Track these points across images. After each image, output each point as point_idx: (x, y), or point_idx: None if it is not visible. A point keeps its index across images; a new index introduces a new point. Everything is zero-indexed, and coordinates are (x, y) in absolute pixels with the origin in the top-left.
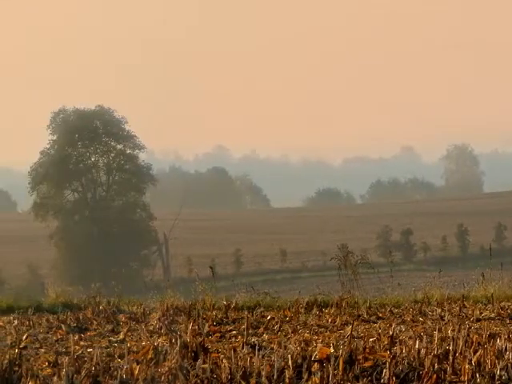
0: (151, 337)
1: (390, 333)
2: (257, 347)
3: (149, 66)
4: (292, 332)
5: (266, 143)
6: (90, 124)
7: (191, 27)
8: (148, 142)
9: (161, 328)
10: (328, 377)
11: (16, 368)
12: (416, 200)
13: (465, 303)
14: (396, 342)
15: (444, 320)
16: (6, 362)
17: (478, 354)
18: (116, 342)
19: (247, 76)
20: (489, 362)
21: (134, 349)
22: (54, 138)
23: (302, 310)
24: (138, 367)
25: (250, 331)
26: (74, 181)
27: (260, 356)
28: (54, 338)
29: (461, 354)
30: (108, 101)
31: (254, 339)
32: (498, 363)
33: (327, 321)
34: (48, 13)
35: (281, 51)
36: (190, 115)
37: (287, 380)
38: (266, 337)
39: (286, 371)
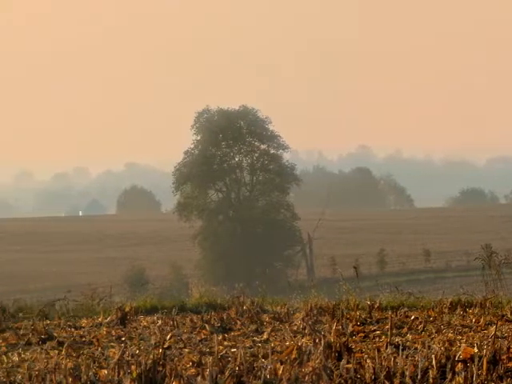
0: (295, 337)
1: None
2: (400, 347)
3: (294, 66)
4: (436, 332)
5: (410, 143)
6: (234, 124)
7: (342, 28)
8: (292, 142)
9: (305, 328)
10: (472, 377)
11: (160, 368)
12: None
13: None
14: None
15: None
16: (150, 361)
17: None
18: (260, 342)
19: (392, 76)
20: None
21: (278, 349)
22: (198, 138)
23: (446, 310)
24: (281, 367)
25: (394, 331)
26: (217, 181)
27: (404, 356)
28: (198, 338)
29: None
30: (252, 101)
31: (397, 339)
32: None
33: (471, 321)
34: (192, 13)
35: (425, 52)
36: (334, 115)
37: (431, 380)
38: (409, 337)
39: (430, 371)
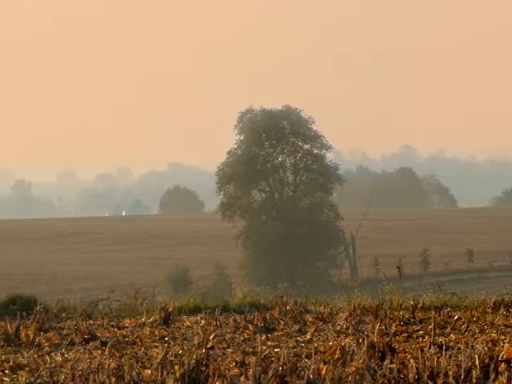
0: (338, 337)
1: None
2: (444, 347)
3: (338, 66)
4: (479, 332)
5: (453, 143)
6: (277, 124)
7: (385, 28)
8: (335, 142)
9: (348, 328)
10: None
11: (203, 368)
12: None
13: None
14: None
15: None
16: (193, 361)
17: None
18: (303, 341)
19: (435, 75)
20: None
21: (321, 349)
22: (241, 137)
23: (489, 310)
24: (325, 367)
25: (437, 331)
26: (261, 181)
27: (447, 356)
28: (241, 338)
29: None
30: (295, 101)
31: (441, 339)
32: None
33: None
34: (237, 15)
35: (469, 52)
36: (378, 115)
37: (474, 380)
38: (452, 337)
39: (473, 371)
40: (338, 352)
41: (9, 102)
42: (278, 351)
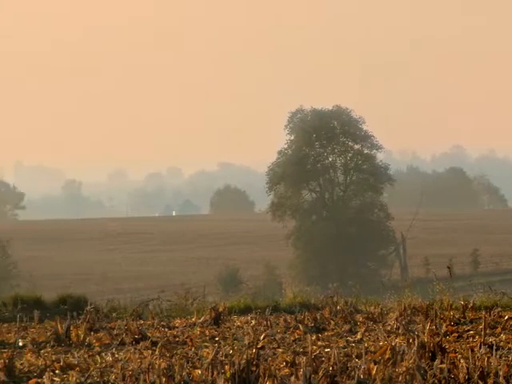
0: (389, 337)
1: None
2: (494, 347)
3: (388, 66)
4: None
5: (504, 143)
6: (328, 124)
7: (439, 27)
8: (386, 142)
9: (398, 328)
10: None
11: (254, 368)
12: None
13: None
14: None
15: None
16: (243, 361)
17: None
18: (353, 342)
19: (486, 75)
20: None
21: (372, 349)
22: (292, 137)
23: None
24: (375, 367)
25: (488, 331)
26: (311, 181)
27: (498, 356)
28: (292, 338)
29: None
30: (345, 100)
31: (491, 339)
32: None
33: None
34: (286, 14)
35: None
36: (428, 115)
37: None
38: (503, 337)
39: None
40: (388, 352)
41: (59, 102)
42: (328, 351)
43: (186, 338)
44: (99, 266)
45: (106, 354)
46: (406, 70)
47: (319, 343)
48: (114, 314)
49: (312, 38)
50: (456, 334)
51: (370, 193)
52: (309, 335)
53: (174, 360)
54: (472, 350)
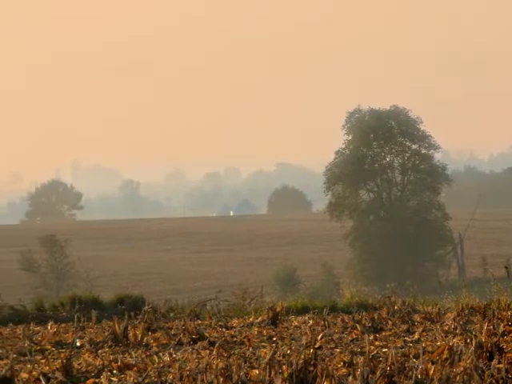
0: (446, 337)
1: None
2: None
3: (446, 65)
4: None
5: None
6: (385, 124)
7: (496, 27)
8: (443, 142)
9: (456, 328)
10: None
11: (311, 368)
12: None
13: None
14: None
15: None
16: (301, 361)
17: None
18: (411, 341)
19: None
20: None
21: (429, 349)
22: (349, 138)
23: None
24: (433, 367)
25: None
26: (369, 181)
27: None
28: (349, 338)
29: None
30: (403, 100)
31: None
32: None
33: None
34: (344, 15)
35: None
36: (485, 115)
37: None
38: None
39: None
40: (445, 352)
41: (117, 102)
42: (385, 351)
43: (244, 337)
44: (157, 265)
45: (163, 354)
46: (464, 69)
47: (377, 343)
48: (171, 314)
49: (370, 38)
50: None
51: (427, 193)
52: (366, 335)
53: (231, 360)
54: None
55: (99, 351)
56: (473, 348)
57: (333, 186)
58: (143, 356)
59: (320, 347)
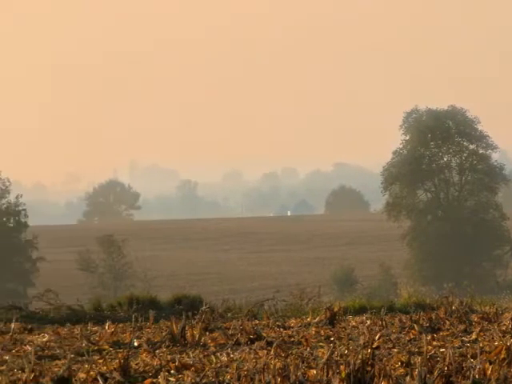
0: (504, 337)
1: None
2: None
3: (502, 65)
4: None
5: None
6: (443, 124)
7: None
8: (501, 142)
9: None
10: None
11: (369, 368)
12: None
13: None
14: None
15: None
16: (358, 361)
17: None
18: (468, 341)
19: None
20: None
21: (487, 349)
22: (407, 138)
23: None
24: (490, 367)
25: None
26: (426, 181)
27: None
28: (407, 338)
29: None
30: (461, 100)
31: None
32: None
33: None
34: (404, 15)
35: None
36: None
37: None
38: None
39: None
40: (503, 352)
41: (173, 103)
42: (443, 351)
43: (301, 337)
44: (214, 265)
45: (221, 354)
46: None
47: (434, 343)
48: (229, 314)
49: (428, 37)
50: None
51: (485, 193)
52: (424, 335)
53: (289, 360)
54: None
55: (157, 351)
56: None
57: (390, 186)
58: (201, 356)
59: (378, 347)
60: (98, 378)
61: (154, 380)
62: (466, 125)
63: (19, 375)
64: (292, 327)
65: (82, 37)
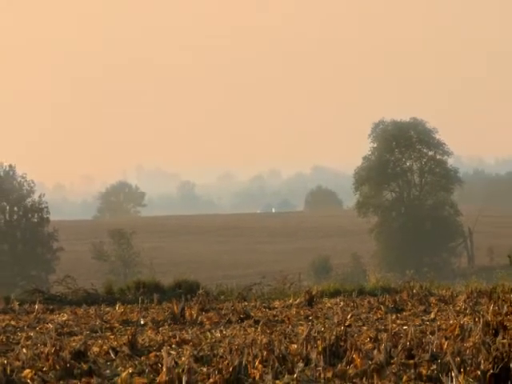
0: (458, 316)
1: None
2: None
3: (460, 81)
4: None
5: None
6: (405, 133)
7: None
8: (455, 149)
9: (466, 309)
10: None
11: (342, 343)
12: None
13: None
14: None
15: None
16: (333, 337)
17: None
18: (427, 320)
19: None
20: None
21: (443, 326)
22: (375, 145)
23: None
24: (446, 342)
25: None
26: (391, 182)
27: None
28: (375, 317)
29: None
30: (421, 112)
31: None
32: None
33: None
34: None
35: None
36: (492, 122)
37: None
38: None
39: None
40: (457, 329)
41: (177, 114)
42: (406, 328)
43: (284, 317)
44: (210, 255)
45: (215, 331)
46: (481, 84)
47: (398, 322)
48: (222, 297)
49: (391, 57)
50: None
51: (442, 192)
52: (389, 315)
53: (273, 336)
54: None
55: (160, 328)
56: (480, 326)
57: (361, 187)
58: (198, 333)
59: (350, 325)
60: (110, 351)
61: (158, 353)
62: (426, 134)
63: (42, 349)
64: (276, 308)
65: (94, 49)
